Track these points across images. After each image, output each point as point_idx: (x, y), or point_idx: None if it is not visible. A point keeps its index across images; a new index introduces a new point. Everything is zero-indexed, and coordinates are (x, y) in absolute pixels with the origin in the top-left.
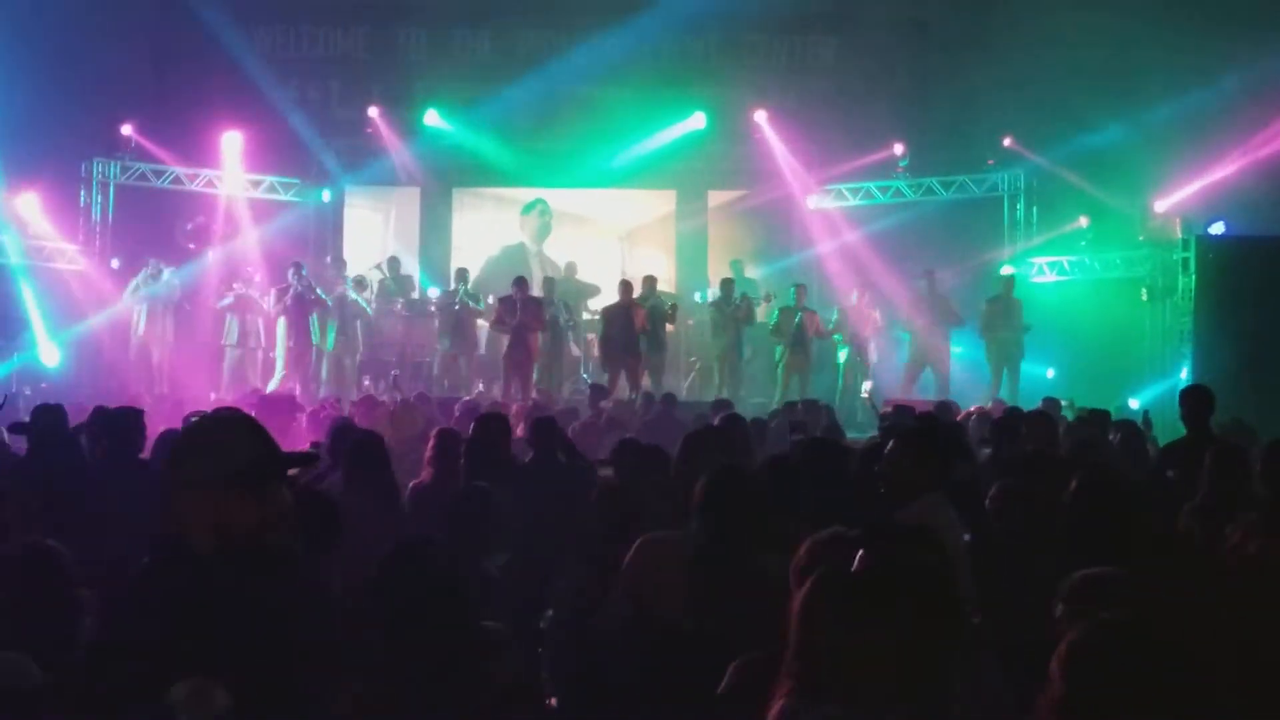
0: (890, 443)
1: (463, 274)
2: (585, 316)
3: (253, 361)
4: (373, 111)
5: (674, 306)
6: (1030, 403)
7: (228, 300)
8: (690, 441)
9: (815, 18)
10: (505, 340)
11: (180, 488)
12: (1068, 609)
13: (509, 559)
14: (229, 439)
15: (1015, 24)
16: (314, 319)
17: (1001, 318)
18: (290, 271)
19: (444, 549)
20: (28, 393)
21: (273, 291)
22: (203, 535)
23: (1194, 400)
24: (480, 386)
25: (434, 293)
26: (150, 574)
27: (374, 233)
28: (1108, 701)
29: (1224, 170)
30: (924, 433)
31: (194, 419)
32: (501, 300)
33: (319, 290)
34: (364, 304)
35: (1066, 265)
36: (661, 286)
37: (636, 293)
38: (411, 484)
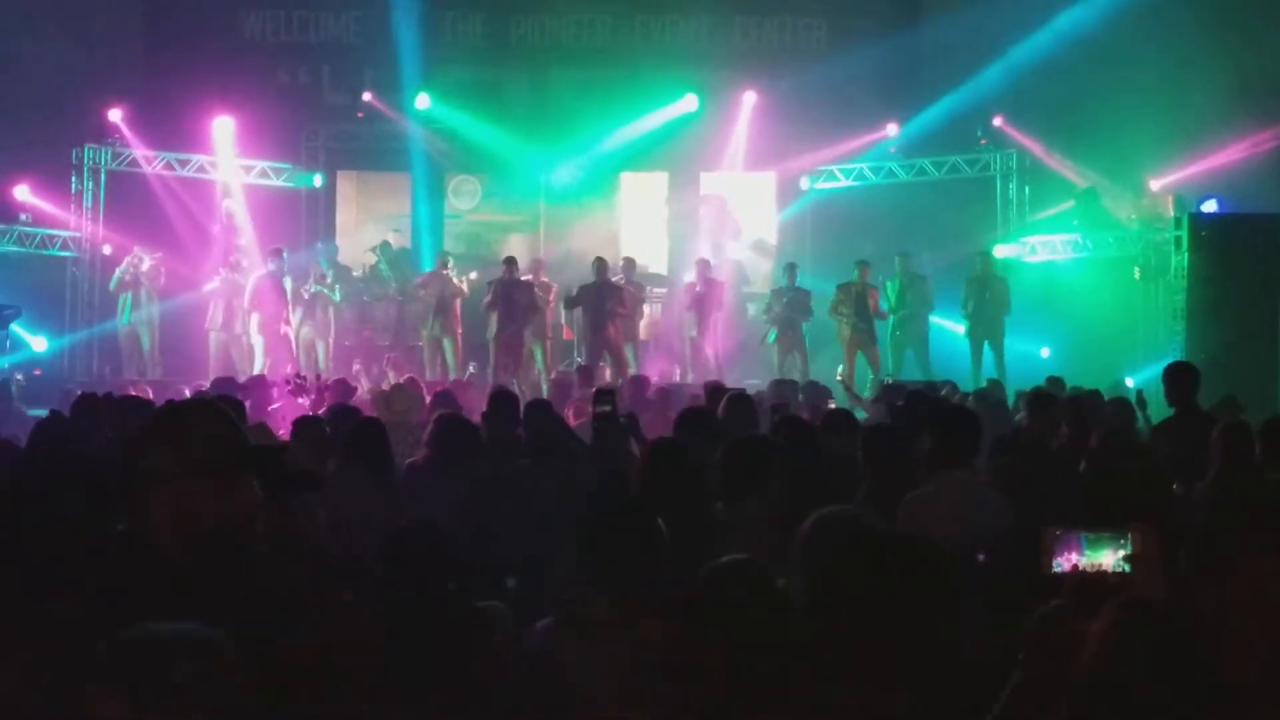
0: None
1: (444, 257)
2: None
3: (238, 346)
4: (365, 96)
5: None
6: (1023, 382)
7: (213, 285)
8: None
9: None
10: (492, 323)
11: (143, 478)
12: None
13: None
14: (195, 426)
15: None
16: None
17: (981, 296)
18: (270, 259)
19: (441, 532)
20: (19, 378)
21: (251, 278)
22: (166, 532)
23: (1178, 377)
24: (472, 368)
25: (419, 277)
26: (110, 580)
27: (366, 217)
28: (1132, 684)
29: (1219, 150)
30: (925, 412)
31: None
32: (490, 282)
33: (290, 279)
34: (328, 291)
35: (1059, 244)
36: (655, 269)
37: (616, 274)
38: (407, 462)
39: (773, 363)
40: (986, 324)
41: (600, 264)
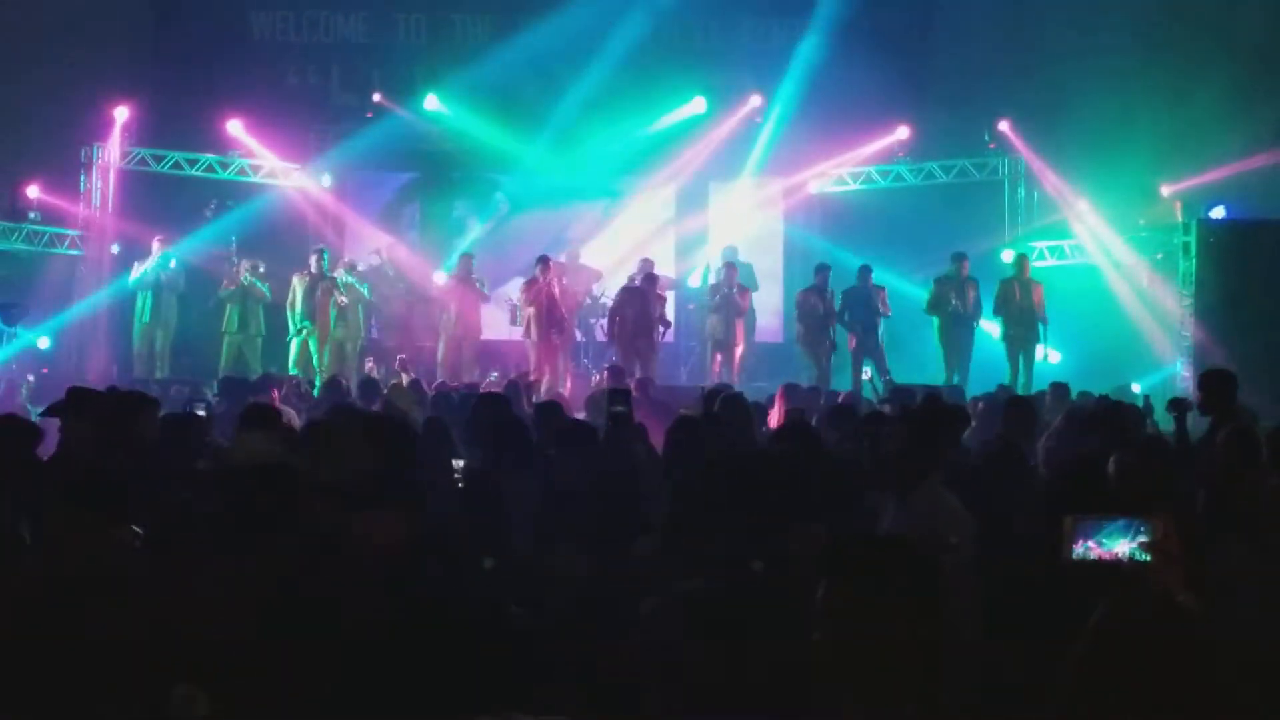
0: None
1: (468, 260)
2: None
3: (252, 348)
4: (374, 97)
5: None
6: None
7: (227, 292)
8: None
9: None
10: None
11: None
12: None
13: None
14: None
15: (1018, 4)
16: (332, 305)
17: (1015, 299)
18: (312, 258)
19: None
20: (30, 378)
21: (294, 278)
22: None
23: (1219, 384)
24: (494, 374)
25: (440, 277)
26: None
27: (374, 217)
28: (1122, 681)
29: (1228, 157)
30: (914, 418)
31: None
32: (528, 282)
33: (338, 276)
34: (363, 289)
35: (1067, 249)
36: (662, 270)
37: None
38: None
39: (797, 367)
40: (1024, 328)
41: (646, 265)
